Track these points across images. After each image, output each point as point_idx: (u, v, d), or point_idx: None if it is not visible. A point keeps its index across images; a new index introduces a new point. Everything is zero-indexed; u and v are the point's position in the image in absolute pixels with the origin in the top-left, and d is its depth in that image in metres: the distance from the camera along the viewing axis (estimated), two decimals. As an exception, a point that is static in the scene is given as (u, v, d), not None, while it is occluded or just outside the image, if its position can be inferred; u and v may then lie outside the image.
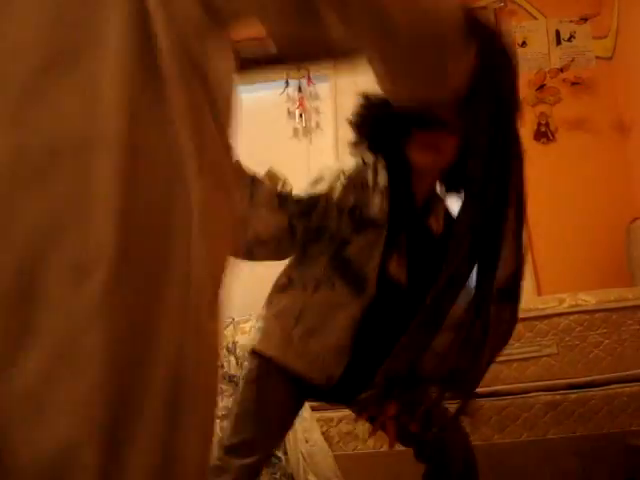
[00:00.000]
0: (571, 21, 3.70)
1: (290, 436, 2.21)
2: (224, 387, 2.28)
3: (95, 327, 0.48)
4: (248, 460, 1.43)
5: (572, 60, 3.63)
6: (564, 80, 3.61)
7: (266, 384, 1.48)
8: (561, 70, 3.63)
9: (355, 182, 1.45)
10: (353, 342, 1.44)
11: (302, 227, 1.43)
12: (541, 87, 3.65)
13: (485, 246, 1.10)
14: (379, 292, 1.43)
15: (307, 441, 2.22)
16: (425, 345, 1.22)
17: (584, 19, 3.67)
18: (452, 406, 1.38)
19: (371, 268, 1.42)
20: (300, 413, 1.69)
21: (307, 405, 2.34)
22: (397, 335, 1.29)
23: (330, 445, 2.25)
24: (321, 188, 1.45)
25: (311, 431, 2.26)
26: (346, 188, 1.44)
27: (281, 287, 1.52)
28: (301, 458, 2.19)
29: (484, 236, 1.09)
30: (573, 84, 3.60)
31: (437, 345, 1.22)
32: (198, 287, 0.55)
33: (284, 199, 1.40)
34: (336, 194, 1.44)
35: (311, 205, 1.43)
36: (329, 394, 1.51)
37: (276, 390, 1.48)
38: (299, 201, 1.42)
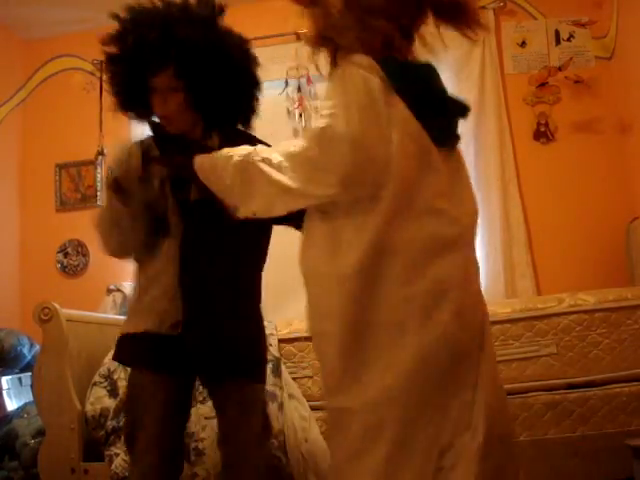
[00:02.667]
0: (567, 23, 3.71)
1: (290, 436, 2.21)
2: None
3: None
4: None
5: (570, 59, 3.64)
6: (566, 78, 3.61)
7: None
8: (559, 69, 3.63)
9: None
10: (181, 282, 1.54)
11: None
12: (543, 84, 3.65)
13: None
14: (188, 224, 1.56)
15: (307, 441, 2.22)
16: None
17: (582, 25, 3.68)
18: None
19: (169, 207, 1.58)
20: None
21: (307, 405, 2.34)
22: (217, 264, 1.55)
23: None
24: None
25: (311, 431, 2.26)
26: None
27: None
28: (301, 458, 2.19)
29: None
30: (576, 82, 3.60)
31: None
32: None
33: None
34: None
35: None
36: (193, 347, 1.56)
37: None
38: None
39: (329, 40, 1.34)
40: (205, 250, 1.56)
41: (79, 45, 4.09)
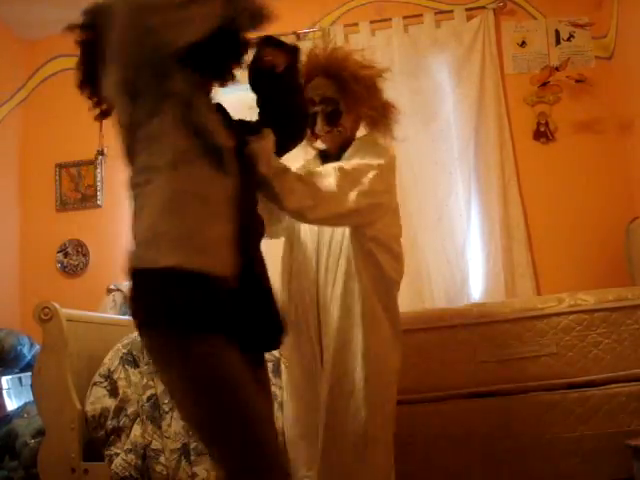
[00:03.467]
0: (567, 24, 3.71)
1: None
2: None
3: None
4: None
5: (568, 59, 3.63)
6: (568, 77, 3.61)
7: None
8: (557, 69, 3.63)
9: None
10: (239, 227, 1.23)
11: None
12: (545, 84, 3.65)
13: None
14: (241, 169, 1.28)
15: (307, 441, 2.21)
16: None
17: (582, 26, 3.68)
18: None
19: (224, 138, 1.25)
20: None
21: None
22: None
23: (330, 445, 2.25)
24: None
25: (311, 431, 2.25)
26: None
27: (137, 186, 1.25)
28: (301, 458, 2.19)
29: None
30: (577, 82, 3.59)
31: None
32: None
33: None
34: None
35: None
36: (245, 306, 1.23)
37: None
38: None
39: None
40: (250, 199, 1.38)
41: (79, 45, 4.08)
